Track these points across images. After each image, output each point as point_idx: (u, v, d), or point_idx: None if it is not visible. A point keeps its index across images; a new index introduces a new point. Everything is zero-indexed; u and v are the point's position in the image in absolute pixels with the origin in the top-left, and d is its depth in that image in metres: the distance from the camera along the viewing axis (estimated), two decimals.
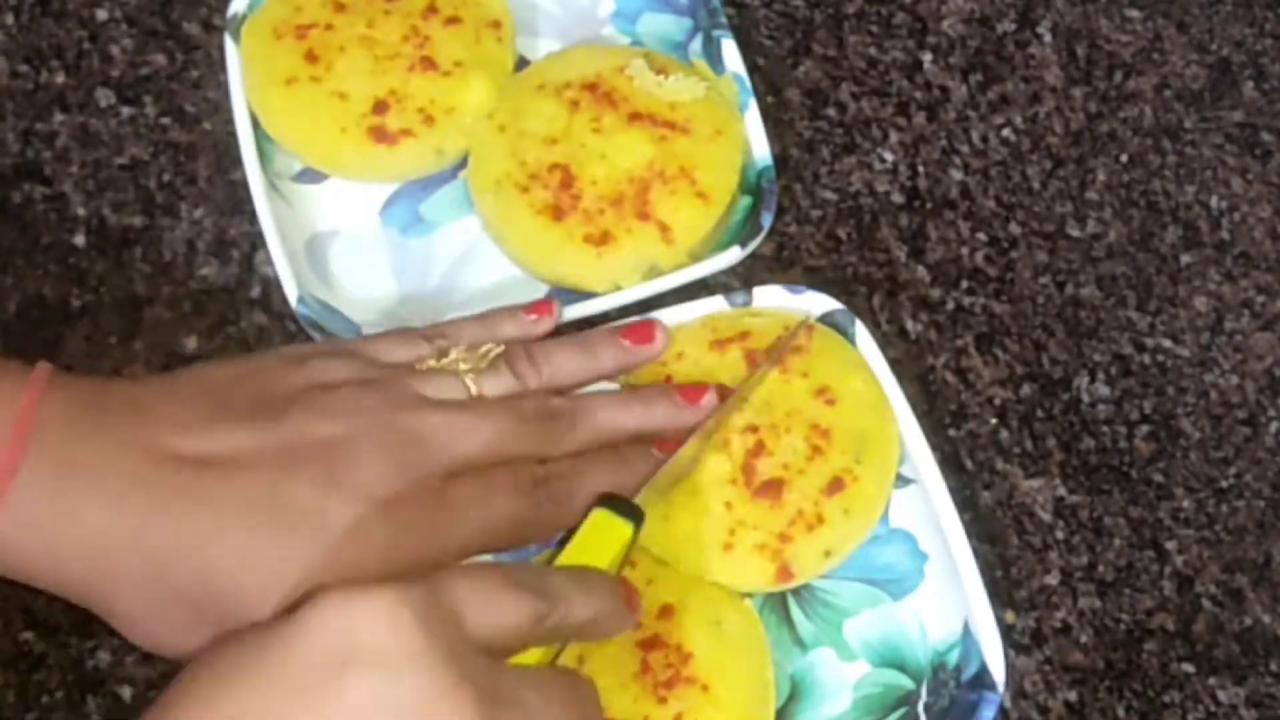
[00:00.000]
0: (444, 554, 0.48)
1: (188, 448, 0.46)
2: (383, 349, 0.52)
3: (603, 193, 0.59)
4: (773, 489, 0.53)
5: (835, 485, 0.53)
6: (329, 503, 0.46)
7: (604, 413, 0.52)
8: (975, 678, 0.51)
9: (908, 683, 0.53)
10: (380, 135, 0.59)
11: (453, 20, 0.61)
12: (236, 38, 0.61)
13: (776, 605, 0.54)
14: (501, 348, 0.52)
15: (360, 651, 0.38)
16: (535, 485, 0.50)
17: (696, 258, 0.59)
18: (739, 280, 0.61)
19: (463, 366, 0.51)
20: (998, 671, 0.51)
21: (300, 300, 0.56)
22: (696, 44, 0.63)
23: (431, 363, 0.51)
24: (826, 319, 0.57)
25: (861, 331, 0.57)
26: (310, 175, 0.61)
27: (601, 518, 0.49)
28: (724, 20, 0.62)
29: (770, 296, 0.58)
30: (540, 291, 0.60)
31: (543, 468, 0.51)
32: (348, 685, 0.37)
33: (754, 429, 0.54)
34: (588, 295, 0.58)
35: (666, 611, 0.51)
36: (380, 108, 0.59)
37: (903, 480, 0.55)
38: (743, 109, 0.61)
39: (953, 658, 0.53)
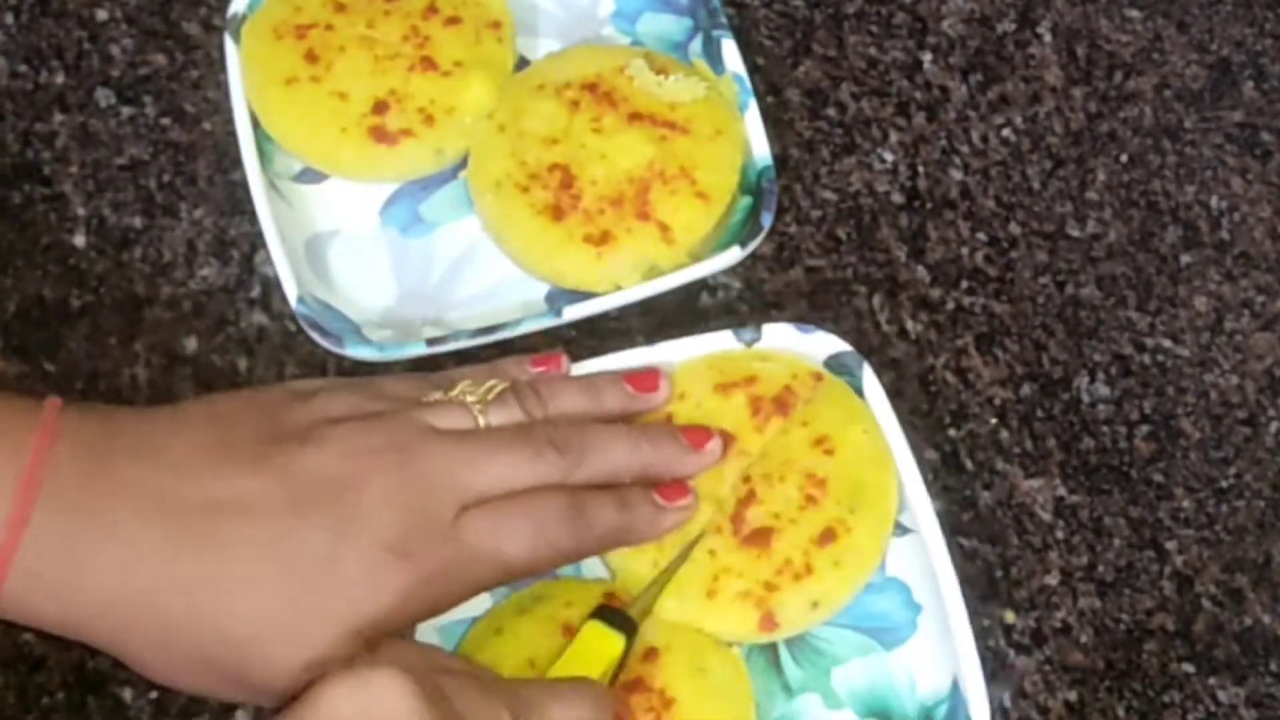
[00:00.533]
0: (460, 597, 0.48)
1: (196, 492, 0.46)
2: (389, 385, 0.52)
3: (603, 193, 0.59)
4: (761, 537, 0.52)
5: (827, 536, 0.52)
6: (341, 550, 0.46)
7: (612, 449, 0.52)
8: None
9: None
10: (380, 135, 0.59)
11: (453, 20, 0.61)
12: (236, 38, 0.61)
13: (765, 648, 0.53)
14: (507, 384, 0.52)
15: None
16: (568, 512, 0.50)
17: (697, 258, 0.59)
18: (739, 280, 0.61)
19: (469, 399, 0.51)
20: None
21: (300, 300, 0.56)
22: (696, 44, 0.63)
23: (438, 395, 0.51)
24: (834, 360, 0.57)
25: (869, 376, 0.56)
26: (310, 175, 0.61)
27: (594, 630, 0.49)
28: (724, 20, 0.62)
29: (779, 335, 0.57)
30: (540, 291, 0.60)
31: (564, 497, 0.50)
32: None
33: (747, 478, 0.53)
34: (587, 295, 0.58)
35: (651, 655, 0.51)
36: (380, 108, 0.59)
37: (901, 529, 0.55)
38: (743, 109, 0.61)
39: (940, 713, 0.52)
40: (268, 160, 0.60)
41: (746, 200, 0.60)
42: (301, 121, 0.60)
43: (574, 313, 0.57)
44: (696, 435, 0.53)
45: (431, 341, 0.56)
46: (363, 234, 0.61)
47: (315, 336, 0.56)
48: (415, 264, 0.60)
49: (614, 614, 0.50)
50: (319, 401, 0.49)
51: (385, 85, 0.60)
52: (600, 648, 0.49)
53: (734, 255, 0.58)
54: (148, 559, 0.45)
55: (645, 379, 0.55)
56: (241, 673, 0.45)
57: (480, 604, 0.52)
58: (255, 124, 0.60)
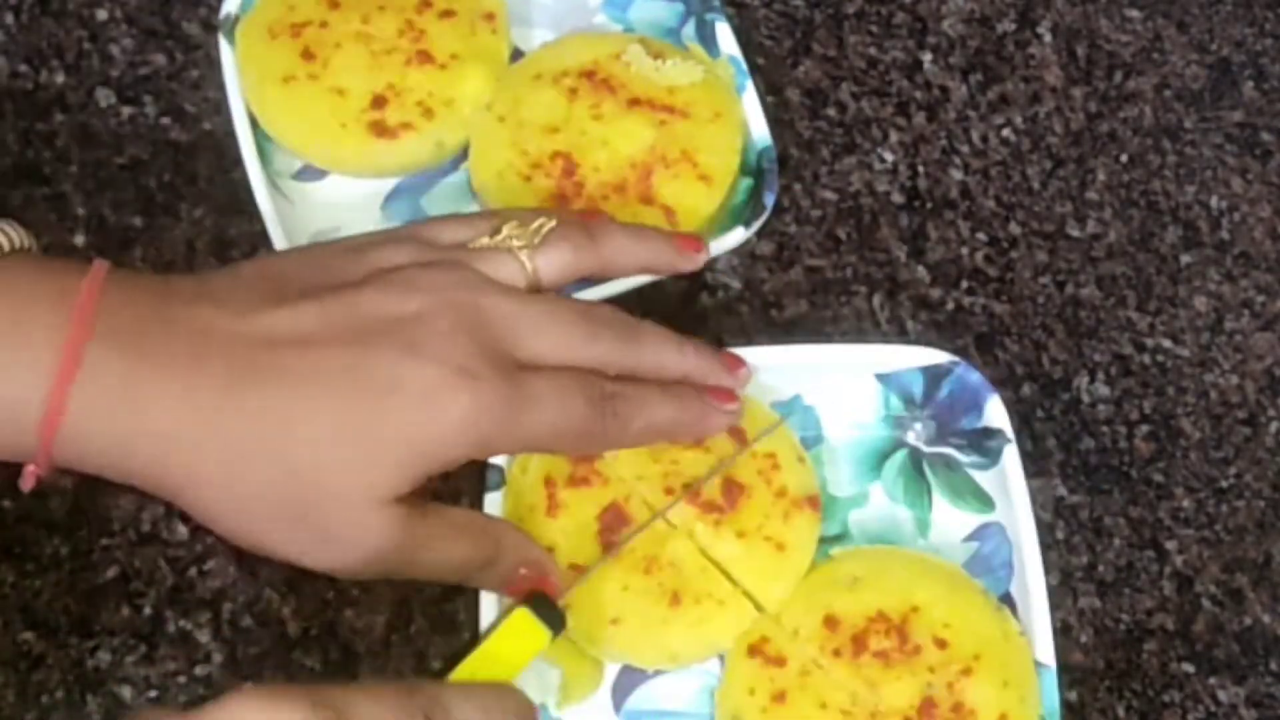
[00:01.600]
0: (514, 442, 0.48)
1: (256, 329, 0.45)
2: (438, 230, 0.51)
3: (605, 179, 0.59)
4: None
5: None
6: (406, 369, 0.45)
7: (663, 345, 0.52)
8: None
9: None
10: (380, 130, 0.59)
11: (447, 14, 0.61)
12: (231, 38, 0.61)
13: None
14: (554, 222, 0.51)
15: None
16: (604, 398, 0.49)
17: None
18: (739, 280, 0.61)
19: (516, 243, 0.50)
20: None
21: None
22: (690, 29, 0.63)
23: (485, 240, 0.50)
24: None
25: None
26: (310, 173, 0.61)
27: (523, 618, 0.48)
28: (716, 4, 0.62)
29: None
30: None
31: (612, 384, 0.50)
32: None
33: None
34: (595, 282, 0.58)
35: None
36: (379, 102, 0.59)
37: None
38: (740, 91, 0.61)
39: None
40: (267, 159, 0.60)
41: (747, 182, 0.60)
42: (300, 119, 0.60)
43: (582, 298, 0.57)
44: (732, 359, 0.54)
45: None
46: (365, 229, 0.60)
47: None
48: None
49: (545, 606, 0.49)
50: (373, 253, 0.49)
51: (383, 80, 0.60)
52: (526, 639, 0.48)
53: (738, 235, 0.58)
54: (210, 393, 0.44)
55: (689, 240, 0.55)
56: (308, 508, 0.44)
57: None
58: (254, 123, 0.60)
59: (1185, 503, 0.59)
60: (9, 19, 0.64)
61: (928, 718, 0.50)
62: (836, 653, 0.51)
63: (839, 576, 0.53)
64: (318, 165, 0.61)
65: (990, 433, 0.56)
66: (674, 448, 0.54)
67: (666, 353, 0.52)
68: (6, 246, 0.46)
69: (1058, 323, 0.62)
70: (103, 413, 0.44)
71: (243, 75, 0.60)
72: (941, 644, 0.52)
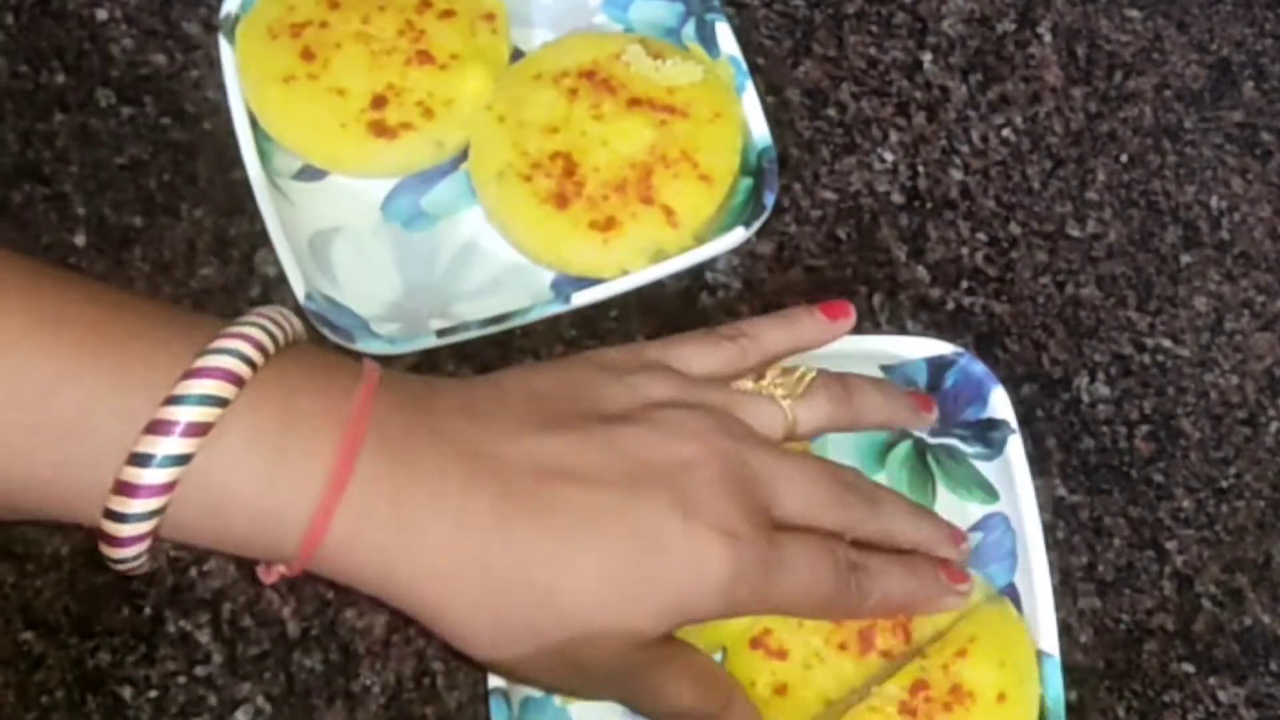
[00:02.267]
0: (763, 604, 0.47)
1: (526, 455, 0.44)
2: (692, 358, 0.50)
3: (606, 179, 0.59)
4: None
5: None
6: (673, 526, 0.45)
7: (900, 514, 0.52)
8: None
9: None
10: (380, 130, 0.59)
11: (447, 14, 0.61)
12: (231, 38, 0.61)
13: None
14: (815, 372, 0.51)
15: None
16: (850, 568, 0.49)
17: (701, 240, 0.59)
18: (739, 280, 0.61)
19: (779, 392, 0.50)
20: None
21: (308, 297, 0.56)
22: (690, 29, 0.63)
23: (749, 385, 0.50)
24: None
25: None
26: (310, 173, 0.61)
27: None
28: (716, 3, 0.62)
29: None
30: (545, 280, 0.60)
31: (856, 553, 0.49)
32: None
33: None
34: (594, 281, 0.58)
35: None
36: (379, 102, 0.59)
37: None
38: (740, 91, 0.61)
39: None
40: (267, 159, 0.60)
41: (747, 181, 0.60)
42: (300, 119, 0.60)
43: (582, 298, 0.57)
44: (958, 532, 0.54)
45: (441, 333, 0.56)
46: (365, 229, 0.61)
47: (325, 332, 0.56)
48: (419, 257, 0.60)
49: None
50: (638, 383, 0.48)
51: (383, 80, 0.60)
52: None
53: (738, 235, 0.58)
54: (481, 523, 0.43)
55: (925, 401, 0.55)
56: (568, 648, 0.45)
57: None
58: (254, 123, 0.60)
59: (1185, 503, 0.59)
60: (9, 19, 0.64)
61: (925, 701, 0.50)
62: (842, 647, 0.51)
63: None
64: (318, 165, 0.61)
65: (994, 424, 0.56)
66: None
67: (903, 522, 0.51)
68: (283, 340, 0.44)
69: (1058, 323, 0.62)
70: (370, 530, 0.43)
71: (243, 75, 0.60)
72: (939, 632, 0.52)
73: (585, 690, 0.49)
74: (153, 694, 0.53)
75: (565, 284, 0.59)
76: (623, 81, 0.61)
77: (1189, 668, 0.56)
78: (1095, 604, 0.57)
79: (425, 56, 0.60)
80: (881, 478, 0.57)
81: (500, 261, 0.60)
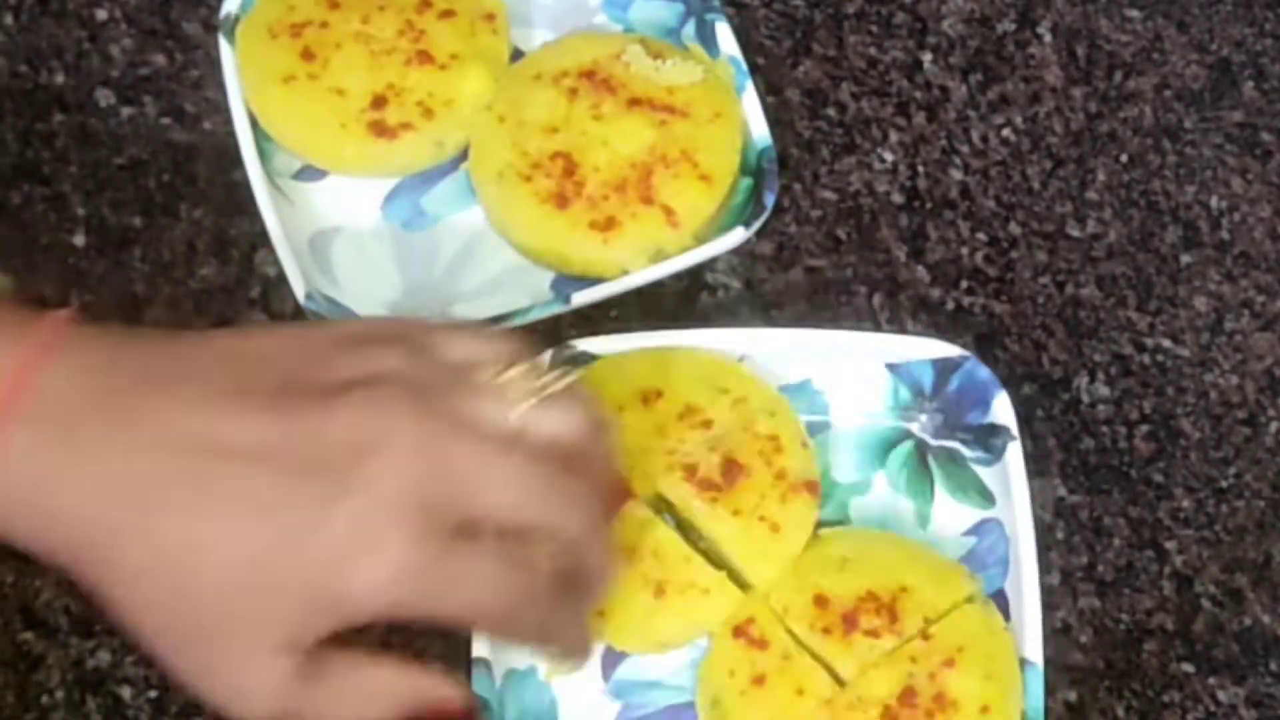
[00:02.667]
0: (432, 610, 0.43)
1: (203, 428, 0.42)
2: (453, 342, 0.46)
3: (606, 179, 0.59)
4: None
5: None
6: (339, 519, 0.41)
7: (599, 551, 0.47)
8: None
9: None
10: (380, 130, 0.59)
11: (447, 14, 0.61)
12: (231, 38, 0.61)
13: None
14: (571, 379, 0.46)
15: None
16: (548, 589, 0.45)
17: (701, 240, 0.59)
18: (739, 280, 0.61)
19: (514, 390, 0.45)
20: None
21: (308, 297, 0.56)
22: (690, 29, 0.63)
23: (488, 376, 0.45)
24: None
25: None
26: (310, 173, 0.61)
27: None
28: (716, 3, 0.62)
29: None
30: (545, 280, 0.60)
31: (565, 572, 0.45)
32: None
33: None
34: (594, 281, 0.58)
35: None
36: (379, 102, 0.59)
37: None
38: (740, 91, 0.61)
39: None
40: (267, 159, 0.60)
41: (747, 181, 0.60)
42: (300, 119, 0.60)
43: (582, 298, 0.57)
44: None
45: None
46: (365, 229, 0.61)
47: None
48: (419, 257, 0.60)
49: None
50: (370, 355, 0.44)
51: (383, 80, 0.60)
52: None
53: (738, 235, 0.58)
54: (125, 494, 0.41)
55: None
56: (203, 634, 0.42)
57: None
58: (254, 123, 0.60)
59: (1185, 503, 0.59)
60: (9, 19, 0.64)
61: (908, 707, 0.50)
62: (826, 631, 0.52)
63: (829, 556, 0.54)
64: (318, 165, 0.61)
65: (996, 429, 0.56)
66: (681, 428, 0.54)
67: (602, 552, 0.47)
68: None
69: (1058, 323, 0.62)
70: (17, 492, 0.41)
71: (243, 75, 0.60)
72: (926, 635, 0.52)
73: (239, 713, 0.43)
74: (153, 694, 0.53)
75: (565, 284, 0.59)
76: (623, 81, 0.61)
77: (1189, 668, 0.56)
78: (1095, 604, 0.57)
79: (425, 56, 0.60)
80: (881, 477, 0.57)
81: (500, 261, 0.60)
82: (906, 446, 0.57)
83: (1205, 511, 0.59)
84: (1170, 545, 0.58)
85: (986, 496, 0.56)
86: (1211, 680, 0.56)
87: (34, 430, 0.41)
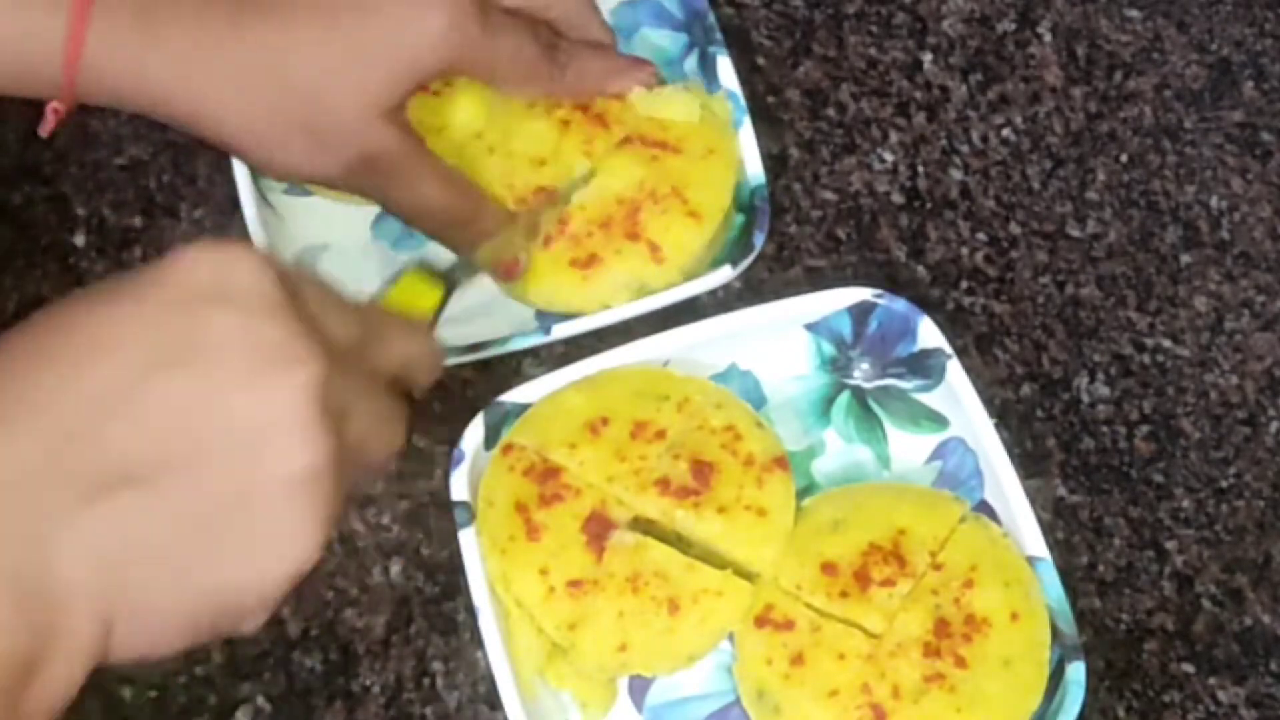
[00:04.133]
0: (482, 60, 0.53)
1: None
2: None
3: (591, 216, 0.58)
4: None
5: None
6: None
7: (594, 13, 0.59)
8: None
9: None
10: None
11: None
12: None
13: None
14: None
15: (230, 291, 0.38)
16: (550, 46, 0.56)
17: (690, 275, 0.58)
18: (739, 279, 0.61)
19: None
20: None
21: None
22: (691, 61, 0.62)
23: None
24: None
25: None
26: (300, 188, 0.61)
27: (412, 279, 0.49)
28: (719, 37, 0.61)
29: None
30: (529, 309, 0.59)
31: (554, 35, 0.57)
32: (214, 318, 0.37)
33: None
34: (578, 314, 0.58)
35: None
36: None
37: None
38: (737, 126, 0.60)
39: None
40: (257, 173, 0.59)
41: (740, 218, 0.59)
42: None
43: (562, 331, 0.57)
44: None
45: None
46: (354, 247, 0.60)
47: None
48: None
49: (432, 269, 0.50)
50: None
51: None
52: (418, 297, 0.49)
53: (724, 275, 0.57)
54: (218, 20, 0.49)
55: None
56: (308, 118, 0.50)
57: None
58: None
59: (1185, 503, 0.59)
60: None
61: (945, 637, 0.51)
62: (844, 594, 0.52)
63: (821, 523, 0.54)
64: (311, 190, 0.60)
65: (928, 354, 0.56)
66: (639, 445, 0.54)
67: (594, 21, 0.58)
68: None
69: (1058, 323, 0.62)
70: (120, 40, 0.48)
71: None
72: (937, 565, 0.52)
73: (338, 170, 0.52)
74: (153, 694, 0.53)
75: (548, 316, 0.59)
76: (618, 117, 0.59)
77: (1189, 668, 0.56)
78: (1095, 604, 0.57)
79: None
80: (831, 434, 0.58)
81: (488, 287, 0.59)
82: (845, 397, 0.58)
83: (1205, 511, 0.59)
84: (1170, 545, 0.58)
85: (938, 420, 0.57)
86: (1211, 680, 0.56)
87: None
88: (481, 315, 0.59)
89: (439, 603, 0.55)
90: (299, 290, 0.39)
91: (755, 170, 0.59)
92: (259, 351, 0.36)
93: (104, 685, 0.53)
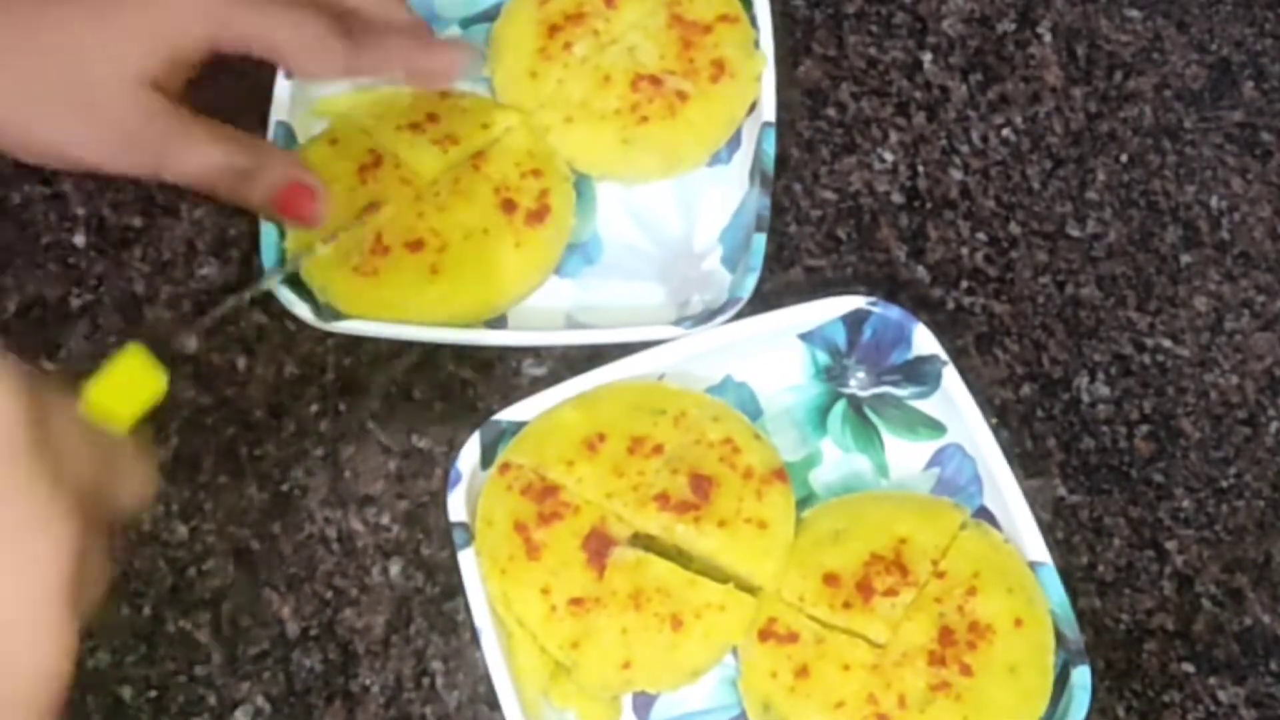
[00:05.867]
0: (253, 28, 0.51)
1: None
2: None
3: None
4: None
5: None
6: None
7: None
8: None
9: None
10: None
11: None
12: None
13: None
14: None
15: None
16: (345, 31, 0.52)
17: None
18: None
19: None
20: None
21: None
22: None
23: None
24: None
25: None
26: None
27: (135, 356, 0.42)
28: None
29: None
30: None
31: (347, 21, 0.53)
32: None
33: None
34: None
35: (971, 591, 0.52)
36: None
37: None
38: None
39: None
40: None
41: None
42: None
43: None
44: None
45: None
46: None
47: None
48: None
49: (158, 347, 0.43)
50: None
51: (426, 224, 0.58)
52: (134, 386, 0.42)
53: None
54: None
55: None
56: (73, 90, 0.49)
57: None
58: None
59: (1185, 503, 0.59)
60: None
61: (950, 645, 0.51)
62: (847, 605, 0.52)
63: (822, 534, 0.54)
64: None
65: (923, 360, 0.56)
66: (637, 461, 0.54)
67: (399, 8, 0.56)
68: None
69: (1058, 323, 0.62)
70: None
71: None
72: (939, 573, 0.52)
73: (106, 147, 0.50)
74: (153, 694, 0.53)
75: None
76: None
77: (1189, 668, 0.56)
78: (1095, 604, 0.57)
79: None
80: (828, 443, 0.58)
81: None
82: (840, 406, 0.58)
83: (1205, 511, 0.59)
84: (1170, 545, 0.58)
85: (935, 426, 0.57)
86: (1211, 680, 0.56)
87: None
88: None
89: (439, 603, 0.55)
90: (47, 421, 0.34)
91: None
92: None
93: (104, 685, 0.53)
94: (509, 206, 0.58)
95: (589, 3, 0.61)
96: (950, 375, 0.56)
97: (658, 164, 0.60)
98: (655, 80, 0.60)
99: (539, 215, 0.58)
